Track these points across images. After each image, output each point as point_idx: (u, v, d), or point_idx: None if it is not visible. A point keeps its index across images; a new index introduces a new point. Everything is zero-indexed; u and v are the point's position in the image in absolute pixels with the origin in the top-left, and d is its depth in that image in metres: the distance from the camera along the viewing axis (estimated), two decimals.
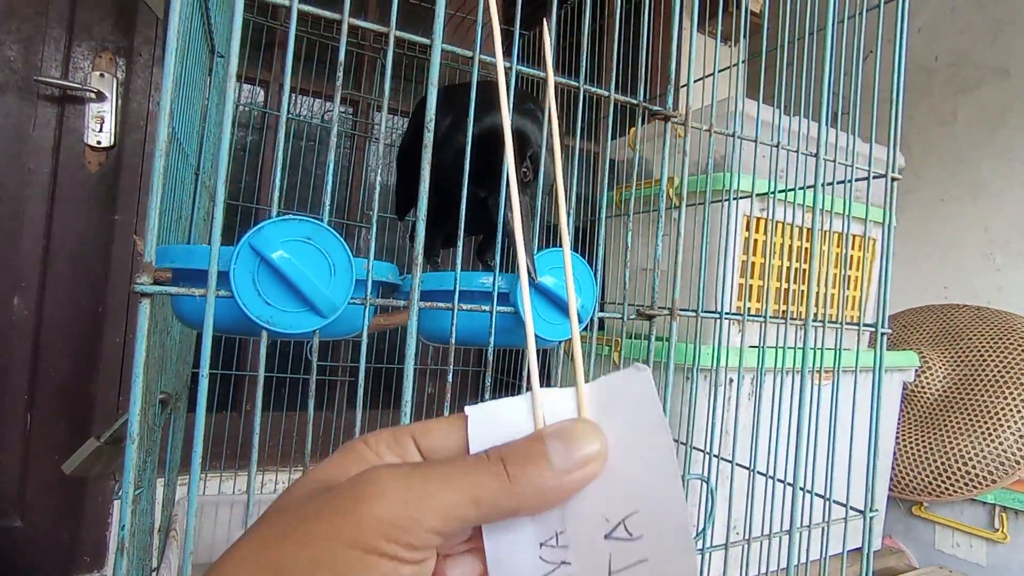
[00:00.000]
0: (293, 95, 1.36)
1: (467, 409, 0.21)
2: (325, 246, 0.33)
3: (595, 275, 0.43)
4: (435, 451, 0.21)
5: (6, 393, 1.06)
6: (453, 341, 0.39)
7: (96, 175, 1.11)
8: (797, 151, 0.56)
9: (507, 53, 0.38)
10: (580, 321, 0.42)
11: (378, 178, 0.39)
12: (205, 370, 0.30)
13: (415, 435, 0.21)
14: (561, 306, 0.41)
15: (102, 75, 1.09)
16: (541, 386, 0.21)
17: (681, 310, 0.49)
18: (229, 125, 0.32)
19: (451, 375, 0.39)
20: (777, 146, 0.55)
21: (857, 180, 0.60)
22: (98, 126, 1.09)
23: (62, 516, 1.10)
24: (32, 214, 1.07)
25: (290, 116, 1.25)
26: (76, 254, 1.10)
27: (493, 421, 0.20)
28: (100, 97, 1.09)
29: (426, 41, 0.37)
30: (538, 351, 0.41)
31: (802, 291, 0.89)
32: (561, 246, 0.42)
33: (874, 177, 0.59)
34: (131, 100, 1.12)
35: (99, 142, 1.10)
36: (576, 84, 0.43)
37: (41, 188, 1.08)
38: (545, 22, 0.30)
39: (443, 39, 0.37)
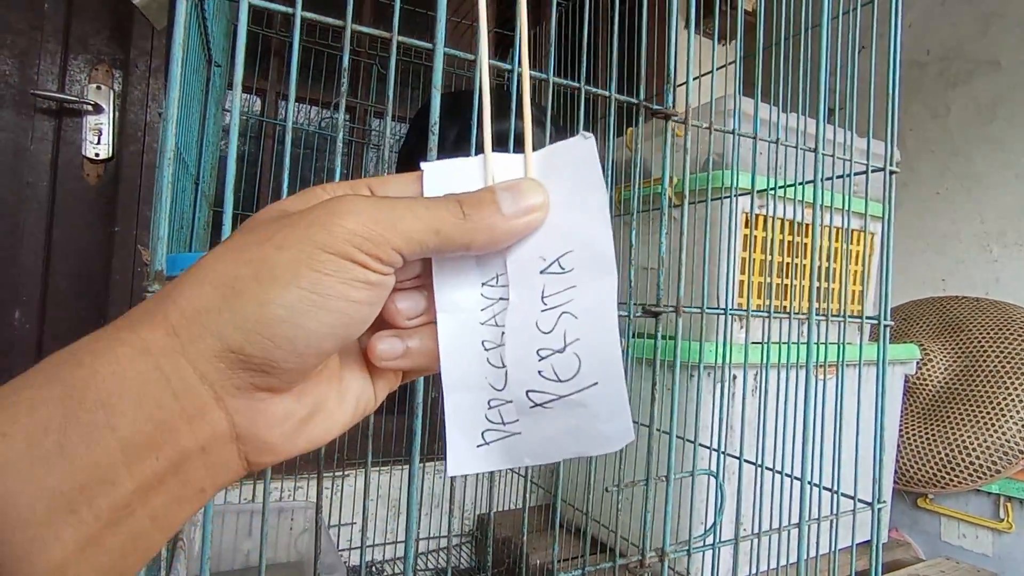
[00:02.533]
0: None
1: (423, 165, 0.23)
2: None
3: None
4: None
5: None
6: None
7: (95, 187, 1.11)
8: (796, 146, 0.56)
9: (506, 56, 0.38)
10: None
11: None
12: None
13: (371, 186, 0.22)
14: None
15: (99, 87, 1.10)
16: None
17: (685, 307, 0.49)
18: (236, 128, 0.32)
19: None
20: (776, 142, 0.56)
21: (856, 174, 0.60)
22: (96, 138, 1.09)
23: None
24: (31, 227, 1.07)
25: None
26: (76, 266, 1.10)
27: (447, 177, 0.23)
28: (97, 109, 1.09)
29: (428, 46, 0.37)
30: None
31: (803, 287, 0.90)
32: None
33: (873, 170, 0.59)
34: (128, 112, 1.12)
35: (97, 154, 1.10)
36: (577, 85, 0.43)
37: (40, 201, 1.08)
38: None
39: (444, 43, 0.37)
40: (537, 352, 0.22)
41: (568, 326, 0.22)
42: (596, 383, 0.22)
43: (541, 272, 0.22)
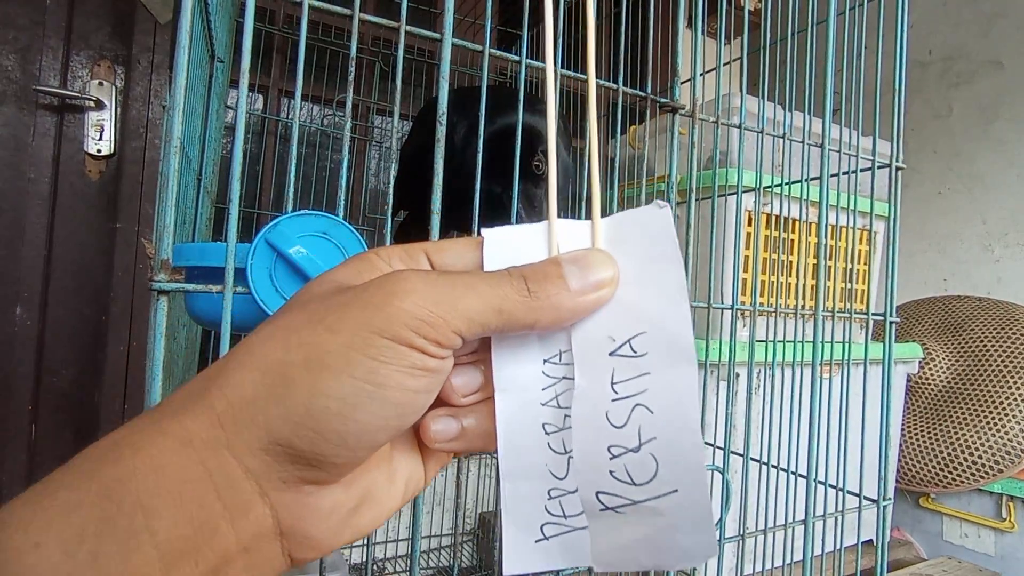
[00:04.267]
0: (293, 100, 1.36)
1: (484, 231, 0.21)
2: (341, 241, 0.33)
3: None
4: (447, 268, 0.21)
5: (10, 404, 1.05)
6: None
7: (96, 183, 1.11)
8: (803, 142, 0.56)
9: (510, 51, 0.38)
10: None
11: (392, 174, 0.39)
12: None
13: (428, 252, 0.21)
14: None
15: (101, 83, 1.09)
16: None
17: (693, 303, 0.49)
18: (243, 121, 0.32)
19: None
20: (783, 137, 0.55)
21: (863, 170, 0.60)
22: (98, 134, 1.09)
23: None
24: (33, 223, 1.07)
25: (289, 121, 1.25)
26: (78, 263, 1.10)
27: (508, 245, 0.21)
28: (99, 105, 1.09)
29: (436, 36, 0.37)
30: None
31: (809, 285, 0.89)
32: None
33: (879, 166, 0.59)
34: (130, 108, 1.12)
35: (99, 150, 1.09)
36: (583, 77, 0.43)
37: (41, 197, 1.07)
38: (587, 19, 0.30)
39: (452, 34, 0.37)
40: (609, 449, 0.20)
41: (643, 421, 0.20)
42: (676, 490, 0.19)
43: (611, 354, 0.20)
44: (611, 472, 0.20)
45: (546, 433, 0.21)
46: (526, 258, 0.20)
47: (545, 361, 0.21)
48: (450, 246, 0.21)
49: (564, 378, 0.21)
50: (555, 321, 0.20)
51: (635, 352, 0.20)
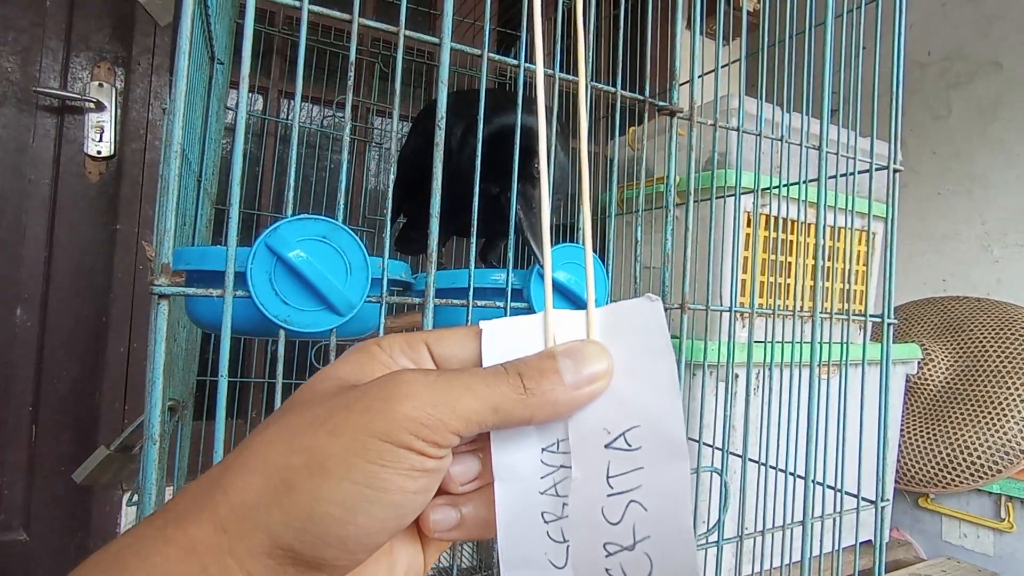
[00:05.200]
0: (293, 101, 1.36)
1: (482, 323, 0.22)
2: (341, 245, 0.33)
3: (607, 272, 0.43)
4: (447, 359, 0.22)
5: (11, 405, 1.06)
6: None
7: (97, 185, 1.11)
8: (800, 144, 0.56)
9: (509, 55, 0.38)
10: None
11: (391, 177, 0.39)
12: (224, 369, 0.30)
13: (429, 342, 0.22)
14: (573, 300, 0.41)
15: (101, 85, 1.10)
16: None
17: (690, 305, 0.49)
18: (243, 124, 0.32)
19: None
20: (781, 140, 0.56)
21: (860, 172, 0.60)
22: (98, 136, 1.09)
23: (68, 528, 1.09)
24: (33, 225, 1.07)
25: (289, 122, 1.25)
26: (78, 264, 1.10)
27: (506, 336, 0.22)
28: (99, 107, 1.09)
29: (435, 40, 0.37)
30: None
31: (808, 286, 0.90)
32: (575, 243, 0.43)
33: (877, 168, 0.59)
34: (130, 109, 1.12)
35: (99, 152, 1.10)
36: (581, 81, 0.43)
37: (42, 199, 1.07)
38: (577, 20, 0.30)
39: (451, 38, 0.37)
40: (604, 546, 0.20)
41: (637, 519, 0.20)
42: None
43: (606, 446, 0.21)
44: (607, 570, 0.20)
45: (545, 522, 0.21)
46: (523, 349, 0.21)
47: (543, 450, 0.21)
48: (450, 336, 0.22)
49: (562, 467, 0.21)
50: (551, 415, 0.20)
51: (629, 446, 0.20)
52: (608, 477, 0.20)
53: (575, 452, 0.21)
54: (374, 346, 0.21)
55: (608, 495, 0.20)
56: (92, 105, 1.09)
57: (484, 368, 0.21)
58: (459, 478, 0.21)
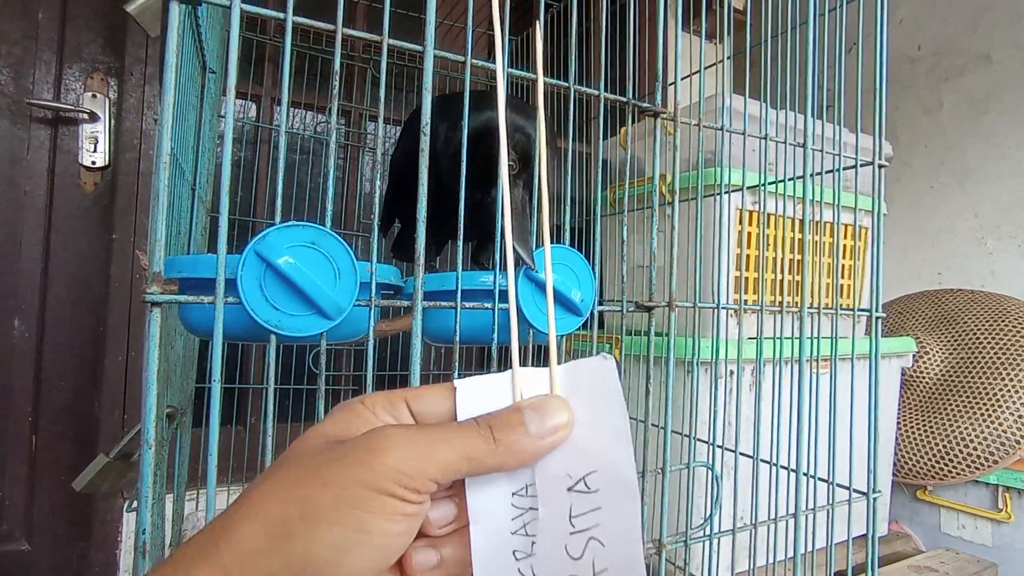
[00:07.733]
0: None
1: (456, 382, 0.24)
2: (329, 250, 0.34)
3: (593, 271, 0.44)
4: (425, 415, 0.24)
5: (10, 416, 1.06)
6: (457, 340, 0.39)
7: (92, 195, 1.12)
8: (785, 142, 0.57)
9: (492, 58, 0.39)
10: (580, 315, 0.43)
11: (377, 183, 0.39)
12: (217, 374, 0.31)
13: (408, 399, 0.24)
14: (560, 301, 0.41)
15: (94, 95, 1.10)
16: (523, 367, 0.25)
17: (678, 302, 0.49)
18: (231, 131, 0.32)
19: (456, 374, 0.39)
20: (765, 138, 0.56)
21: (845, 169, 0.61)
22: (92, 146, 1.10)
23: (70, 537, 1.09)
24: (29, 236, 1.08)
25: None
26: (75, 274, 1.10)
27: (477, 393, 0.24)
28: (93, 117, 1.10)
29: (418, 48, 0.38)
30: (536, 347, 0.42)
31: (796, 281, 0.90)
32: (561, 244, 0.43)
33: (862, 165, 0.60)
34: (124, 119, 1.13)
35: (94, 162, 1.10)
36: (566, 85, 0.44)
37: (37, 210, 1.08)
38: (536, 24, 0.31)
39: (434, 45, 0.38)
40: None
41: (596, 554, 0.23)
42: None
43: (568, 489, 0.23)
44: None
45: (516, 559, 0.23)
46: (493, 404, 0.24)
47: (513, 494, 0.24)
48: (427, 393, 0.24)
49: (530, 508, 0.24)
50: (519, 463, 0.23)
51: (588, 488, 0.23)
52: (571, 517, 0.23)
53: (541, 495, 0.23)
54: (358, 404, 0.23)
55: (571, 533, 0.23)
56: (86, 116, 1.09)
57: (459, 422, 0.23)
58: (438, 522, 0.23)
